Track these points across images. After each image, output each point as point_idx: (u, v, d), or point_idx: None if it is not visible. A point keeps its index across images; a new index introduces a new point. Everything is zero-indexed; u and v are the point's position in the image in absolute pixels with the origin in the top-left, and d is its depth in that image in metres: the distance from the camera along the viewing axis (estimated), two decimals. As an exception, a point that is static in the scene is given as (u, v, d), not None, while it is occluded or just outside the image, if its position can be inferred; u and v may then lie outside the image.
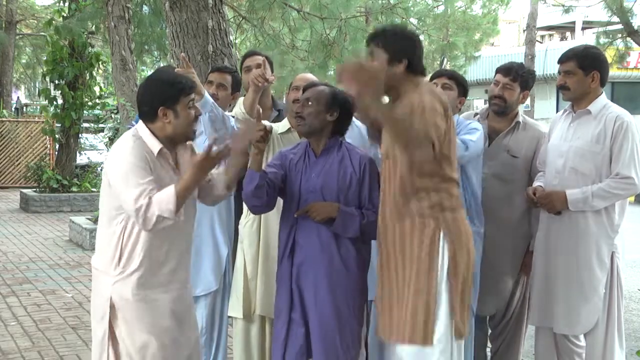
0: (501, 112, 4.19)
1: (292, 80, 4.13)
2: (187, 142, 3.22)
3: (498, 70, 4.23)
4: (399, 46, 3.11)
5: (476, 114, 4.40)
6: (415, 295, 3.04)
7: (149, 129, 3.07)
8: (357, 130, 3.86)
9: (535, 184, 4.02)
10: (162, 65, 13.14)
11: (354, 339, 3.35)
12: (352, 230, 3.30)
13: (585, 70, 3.84)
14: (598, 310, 3.82)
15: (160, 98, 3.04)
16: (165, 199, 2.89)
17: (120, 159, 2.99)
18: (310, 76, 4.02)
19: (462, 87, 4.02)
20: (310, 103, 3.40)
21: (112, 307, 3.07)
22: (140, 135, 3.06)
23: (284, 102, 4.58)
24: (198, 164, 2.94)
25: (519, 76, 4.15)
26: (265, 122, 3.51)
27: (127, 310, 3.06)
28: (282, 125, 3.89)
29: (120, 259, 3.05)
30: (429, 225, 3.06)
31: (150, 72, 5.40)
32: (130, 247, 3.04)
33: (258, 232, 3.80)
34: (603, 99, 3.89)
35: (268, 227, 3.76)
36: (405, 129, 2.83)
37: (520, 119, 4.23)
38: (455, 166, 3.15)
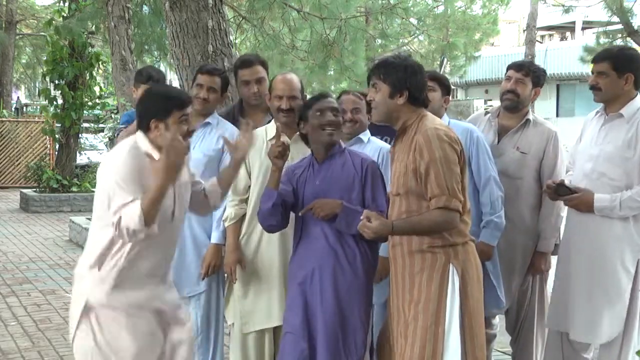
0: (513, 107, 4.16)
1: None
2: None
3: (510, 67, 4.21)
4: (401, 78, 3.13)
5: (487, 113, 4.38)
6: (422, 330, 3.04)
7: (148, 138, 3.13)
8: (373, 146, 3.85)
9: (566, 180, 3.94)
10: (162, 65, 13.18)
11: (359, 343, 3.35)
12: (355, 226, 3.31)
13: (618, 71, 3.72)
14: (622, 318, 3.71)
15: (153, 110, 3.11)
16: (130, 212, 2.94)
17: (113, 170, 3.05)
18: (289, 78, 3.83)
19: (445, 86, 4.02)
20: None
21: (88, 308, 3.11)
22: (139, 146, 3.11)
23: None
24: (159, 173, 2.95)
25: (531, 72, 4.15)
26: (285, 138, 3.51)
27: (102, 313, 3.10)
28: (271, 130, 3.78)
29: (101, 262, 3.11)
30: (440, 260, 3.08)
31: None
32: (113, 253, 3.09)
33: (249, 251, 3.77)
34: (637, 103, 3.76)
35: (260, 247, 3.74)
36: (429, 229, 3.06)
37: (531, 116, 4.19)
38: (467, 195, 3.16)
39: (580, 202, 3.76)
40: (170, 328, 3.20)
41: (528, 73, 4.14)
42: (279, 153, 3.35)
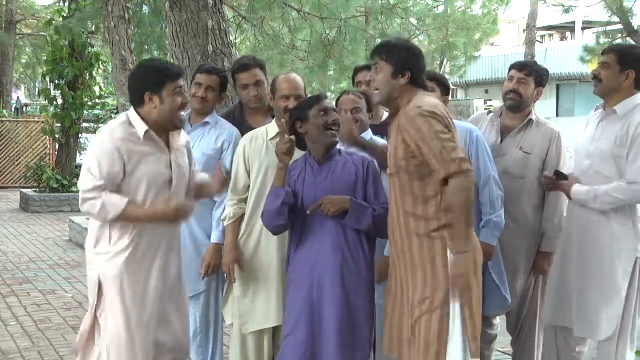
0: (516, 107, 4.16)
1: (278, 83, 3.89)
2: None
3: (512, 67, 4.23)
4: (403, 58, 3.15)
5: (490, 112, 4.38)
6: (428, 312, 3.04)
7: (139, 114, 3.17)
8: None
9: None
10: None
11: (365, 341, 3.36)
12: (365, 222, 3.33)
13: (622, 66, 3.72)
14: (619, 315, 3.71)
15: (146, 83, 3.15)
16: (113, 205, 3.08)
17: (99, 141, 3.15)
18: (293, 78, 3.87)
19: (444, 86, 4.01)
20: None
21: (100, 285, 3.19)
22: (129, 120, 3.17)
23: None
24: (161, 213, 3.14)
25: (533, 71, 4.16)
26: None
27: (110, 288, 3.17)
28: (272, 130, 3.80)
29: (110, 238, 3.19)
30: (437, 244, 3.08)
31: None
32: (120, 227, 3.17)
33: (248, 250, 3.78)
34: (635, 101, 3.74)
35: (259, 247, 3.74)
36: (463, 207, 2.99)
37: (534, 117, 4.19)
38: None
39: (564, 189, 3.82)
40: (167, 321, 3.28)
41: (531, 73, 4.15)
42: (287, 150, 3.37)
